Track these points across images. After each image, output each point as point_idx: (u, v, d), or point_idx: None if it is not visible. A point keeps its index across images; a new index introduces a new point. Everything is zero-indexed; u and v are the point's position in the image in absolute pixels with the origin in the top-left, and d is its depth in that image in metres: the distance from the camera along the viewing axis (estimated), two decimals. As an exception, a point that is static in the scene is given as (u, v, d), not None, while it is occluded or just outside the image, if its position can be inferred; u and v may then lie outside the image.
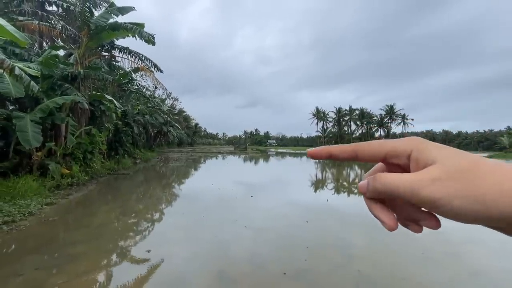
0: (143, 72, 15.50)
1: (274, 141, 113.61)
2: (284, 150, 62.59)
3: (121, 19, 11.10)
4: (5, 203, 5.81)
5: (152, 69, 13.36)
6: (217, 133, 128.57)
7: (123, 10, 11.06)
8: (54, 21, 11.93)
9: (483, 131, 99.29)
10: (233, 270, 3.79)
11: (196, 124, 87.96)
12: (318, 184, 12.76)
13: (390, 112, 71.70)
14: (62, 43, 13.96)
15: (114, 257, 4.23)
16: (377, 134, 77.83)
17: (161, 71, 14.37)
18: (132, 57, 13.23)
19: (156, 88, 29.47)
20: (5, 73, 6.98)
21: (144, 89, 25.76)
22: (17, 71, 5.86)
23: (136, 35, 10.61)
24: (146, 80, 26.44)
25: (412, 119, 75.12)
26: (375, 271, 3.86)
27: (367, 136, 74.49)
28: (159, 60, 14.27)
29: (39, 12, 11.87)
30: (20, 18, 10.96)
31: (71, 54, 12.55)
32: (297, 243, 4.82)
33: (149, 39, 11.30)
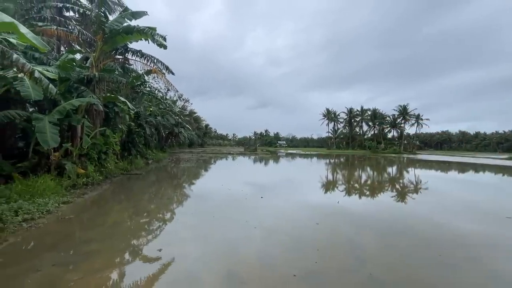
0: (155, 74, 15.83)
1: (284, 142, 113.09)
2: (294, 151, 62.21)
3: (134, 23, 11.39)
4: (25, 201, 6.05)
5: (164, 71, 13.61)
6: (227, 134, 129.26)
7: (136, 15, 11.35)
8: (71, 26, 12.38)
9: (502, 132, 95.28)
10: (242, 270, 3.80)
11: (207, 125, 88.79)
12: (328, 186, 12.60)
13: (404, 112, 69.90)
14: (78, 47, 14.44)
15: (126, 255, 4.33)
16: (390, 135, 76.14)
17: (172, 73, 14.60)
18: (144, 60, 13.52)
19: (168, 90, 30.02)
20: (25, 77, 7.29)
21: (156, 91, 26.26)
22: (36, 75, 6.11)
23: (149, 39, 10.85)
24: (158, 82, 26.99)
25: (428, 119, 73.02)
26: (389, 275, 3.77)
27: (380, 137, 72.94)
28: (171, 63, 14.52)
29: (57, 17, 12.32)
30: (40, 23, 11.43)
31: (87, 58, 12.96)
32: (307, 245, 4.78)
33: (161, 43, 11.52)
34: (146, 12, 11.53)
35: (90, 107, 10.96)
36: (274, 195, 9.59)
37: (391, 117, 73.40)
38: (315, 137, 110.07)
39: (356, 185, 13.41)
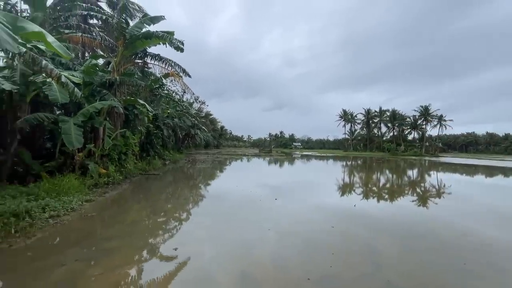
0: (173, 77, 16.27)
1: (300, 144, 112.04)
2: (310, 153, 61.44)
3: (153, 28, 11.78)
4: (52, 199, 6.41)
5: (181, 74, 13.94)
6: (242, 136, 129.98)
7: (155, 20, 11.74)
8: (94, 33, 13.01)
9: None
10: (256, 271, 3.80)
11: (222, 127, 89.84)
12: (345, 189, 12.33)
13: (425, 113, 67.00)
14: (101, 53, 15.13)
15: (144, 253, 4.46)
16: (410, 137, 73.25)
17: (189, 76, 14.92)
18: (162, 64, 13.93)
19: (184, 92, 30.66)
20: (53, 81, 7.74)
21: (174, 93, 26.95)
22: (63, 79, 6.49)
23: (167, 43, 11.19)
24: (175, 85, 27.66)
25: (451, 120, 69.51)
26: (408, 282, 3.63)
27: (399, 138, 70.41)
28: (188, 65, 14.87)
29: (82, 25, 13.00)
30: (66, 31, 12.11)
31: (109, 63, 13.55)
32: (322, 248, 4.70)
33: (178, 47, 11.83)
34: (163, 16, 11.89)
35: (111, 109, 11.44)
36: (288, 197, 9.52)
37: (411, 118, 70.61)
38: (331, 138, 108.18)
39: (374, 188, 13.03)
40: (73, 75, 8.81)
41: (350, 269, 3.96)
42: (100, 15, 12.61)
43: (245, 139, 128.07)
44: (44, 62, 5.81)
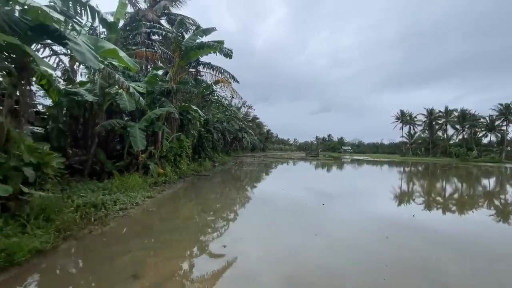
0: (222, 84, 17.18)
1: (350, 148, 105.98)
2: (361, 157, 57.54)
3: (205, 39, 12.65)
4: (121, 194, 7.37)
5: (230, 80, 14.64)
6: (288, 139, 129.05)
7: (207, 31, 12.63)
8: (155, 47, 14.61)
9: None
10: (303, 278, 3.74)
11: (268, 130, 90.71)
12: (402, 197, 11.23)
13: (506, 112, 56.57)
14: (161, 64, 16.87)
15: (196, 248, 4.80)
16: (485, 140, 62.80)
17: (237, 82, 15.58)
18: (213, 71, 14.85)
19: (232, 97, 31.99)
20: (123, 92, 8.93)
21: (223, 99, 28.37)
22: (131, 90, 7.47)
23: (217, 51, 11.90)
24: (224, 91, 29.09)
25: (543, 120, 57.30)
26: (480, 308, 3.14)
27: (471, 142, 60.85)
28: (235, 70, 15.62)
29: (146, 41, 14.74)
30: (134, 47, 13.88)
31: (166, 73, 15.02)
32: (375, 260, 4.38)
33: (227, 54, 12.46)
34: (215, 28, 12.69)
35: (168, 115, 12.62)
36: (337, 203, 9.11)
37: (487, 118, 60.43)
38: (385, 142, 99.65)
39: (439, 198, 11.55)
40: (138, 86, 10.01)
41: (407, 285, 3.60)
42: (160, 31, 14.08)
43: (291, 142, 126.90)
44: (117, 75, 6.79)
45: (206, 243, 5.04)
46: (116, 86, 8.65)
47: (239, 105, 40.65)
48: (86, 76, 11.25)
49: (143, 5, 19.03)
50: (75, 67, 10.49)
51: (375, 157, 63.97)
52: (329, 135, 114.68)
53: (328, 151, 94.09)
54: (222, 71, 14.40)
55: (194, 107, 14.20)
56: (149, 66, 18.54)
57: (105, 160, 9.86)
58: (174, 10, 19.42)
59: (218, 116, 26.44)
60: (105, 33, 11.98)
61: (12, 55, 5.40)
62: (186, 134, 15.08)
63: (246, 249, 4.68)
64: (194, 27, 17.04)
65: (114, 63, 9.20)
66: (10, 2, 4.18)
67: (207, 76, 15.22)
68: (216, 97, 23.64)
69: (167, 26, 18.43)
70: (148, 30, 14.61)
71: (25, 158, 4.88)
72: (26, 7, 3.90)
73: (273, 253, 4.53)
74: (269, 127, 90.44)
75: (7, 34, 3.90)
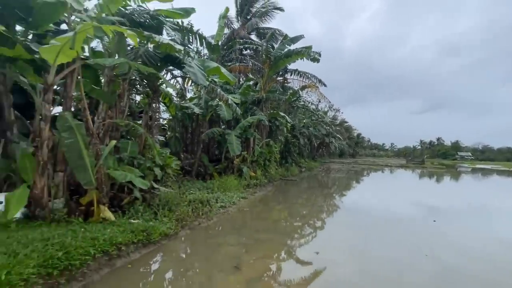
0: (308, 89, 17.13)
1: (470, 154, 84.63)
2: (487, 166, 44.81)
3: (292, 47, 12.99)
4: (221, 193, 8.40)
5: (317, 84, 14.44)
6: (383, 144, 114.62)
7: (295, 40, 12.96)
8: (246, 61, 16.06)
9: None
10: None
11: (359, 135, 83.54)
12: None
13: None
14: (251, 76, 18.35)
15: (284, 251, 4.94)
16: None
17: (324, 85, 15.21)
18: (300, 77, 15.01)
19: (319, 101, 31.30)
20: (222, 104, 10.21)
21: (309, 103, 28.15)
22: (229, 101, 8.48)
23: (305, 57, 12.01)
24: (310, 96, 28.79)
25: None
26: None
27: None
28: (323, 74, 15.20)
29: (239, 56, 16.40)
30: (229, 63, 15.69)
31: (256, 83, 16.21)
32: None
33: (315, 58, 12.37)
34: (303, 35, 12.88)
35: (259, 122, 13.53)
36: (454, 222, 7.49)
37: None
38: (528, 147, 74.51)
39: None
40: (234, 97, 11.21)
41: None
42: (251, 45, 15.37)
43: (386, 147, 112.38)
44: (219, 90, 7.87)
45: (294, 248, 5.12)
46: (217, 99, 9.97)
47: (326, 109, 39.25)
48: (193, 92, 13.48)
49: (236, 25, 21.29)
50: (186, 85, 12.73)
51: (510, 166, 48.46)
52: (438, 139, 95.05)
53: (437, 158, 78.01)
54: (309, 76, 14.38)
55: (282, 114, 14.70)
56: (241, 79, 20.49)
57: (207, 163, 11.45)
58: (263, 24, 20.80)
59: (304, 121, 26.36)
60: (207, 53, 13.97)
61: (148, 81, 7.10)
62: (274, 140, 15.73)
63: (337, 260, 4.47)
64: (281, 38, 17.75)
65: (215, 79, 10.66)
66: (149, 42, 5.52)
67: (294, 83, 15.52)
68: (303, 103, 23.69)
69: (257, 40, 19.93)
70: (241, 47, 16.17)
71: (156, 160, 6.27)
72: (159, 43, 5.07)
73: (372, 270, 4.13)
74: (359, 131, 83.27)
75: (148, 66, 5.16)
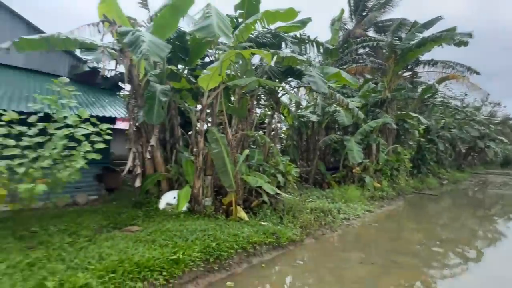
0: (451, 80, 13.67)
1: None
2: None
3: (426, 33, 10.80)
4: (342, 204, 7.89)
5: (465, 73, 11.30)
6: None
7: (428, 24, 10.72)
8: (362, 60, 14.64)
9: None
10: None
11: (537, 135, 58.74)
12: None
13: None
14: (369, 76, 16.59)
15: (428, 280, 3.97)
16: None
17: (477, 73, 11.72)
18: (437, 68, 12.26)
19: (465, 95, 24.55)
20: (340, 109, 9.73)
21: (450, 99, 22.42)
22: (350, 106, 7.97)
23: (446, 43, 9.70)
24: (451, 89, 22.83)
25: None
26: None
27: None
28: (473, 60, 11.75)
29: (355, 57, 15.21)
30: (344, 66, 14.83)
31: (376, 83, 14.47)
32: None
33: (461, 41, 9.81)
34: (441, 16, 10.49)
35: (382, 126, 11.97)
36: None
37: None
38: None
39: None
40: (353, 101, 10.46)
41: None
42: (370, 43, 13.96)
43: None
44: (338, 95, 7.55)
45: (446, 279, 4.04)
46: (335, 105, 9.60)
47: (478, 104, 30.02)
48: (306, 101, 13.58)
49: (350, 25, 19.99)
50: (304, 94, 13.02)
51: None
52: None
53: None
54: (452, 64, 11.49)
55: (414, 114, 12.43)
56: (358, 81, 18.97)
57: (324, 171, 11.14)
58: (383, 17, 18.55)
59: (444, 121, 21.17)
60: (321, 59, 13.78)
61: (271, 95, 7.73)
62: (403, 145, 13.48)
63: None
64: (408, 27, 15.22)
65: (331, 84, 10.35)
66: (275, 57, 5.99)
67: (429, 76, 12.81)
68: (440, 99, 19.17)
69: (375, 35, 17.92)
70: (358, 46, 14.98)
71: (279, 168, 6.65)
72: (283, 58, 5.42)
73: None
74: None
75: (272, 80, 5.62)
